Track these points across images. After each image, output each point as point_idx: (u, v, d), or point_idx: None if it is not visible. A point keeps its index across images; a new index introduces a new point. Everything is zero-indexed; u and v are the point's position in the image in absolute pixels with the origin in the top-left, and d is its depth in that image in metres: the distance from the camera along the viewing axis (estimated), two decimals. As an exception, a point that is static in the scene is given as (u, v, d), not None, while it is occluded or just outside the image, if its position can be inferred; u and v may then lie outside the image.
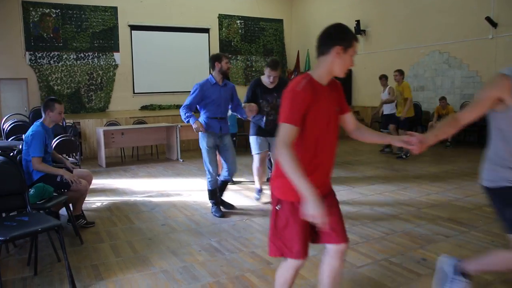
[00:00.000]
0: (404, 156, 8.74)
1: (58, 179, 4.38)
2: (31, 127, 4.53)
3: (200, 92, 4.96)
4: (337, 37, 2.22)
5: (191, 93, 5.01)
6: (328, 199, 2.39)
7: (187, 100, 5.02)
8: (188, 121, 4.99)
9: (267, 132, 5.31)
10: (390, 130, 9.12)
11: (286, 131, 2.13)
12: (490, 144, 2.50)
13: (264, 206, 5.45)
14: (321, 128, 2.24)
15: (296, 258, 2.33)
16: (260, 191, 5.73)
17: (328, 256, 2.48)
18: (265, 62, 5.52)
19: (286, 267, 2.42)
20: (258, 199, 5.70)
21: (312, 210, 2.04)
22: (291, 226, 2.29)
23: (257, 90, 5.32)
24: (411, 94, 9.05)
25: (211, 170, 5.01)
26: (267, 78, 5.28)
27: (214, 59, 5.07)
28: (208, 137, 5.00)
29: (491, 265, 2.67)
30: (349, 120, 2.54)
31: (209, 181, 5.10)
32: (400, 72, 9.13)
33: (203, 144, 5.03)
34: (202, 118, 5.09)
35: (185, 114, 5.00)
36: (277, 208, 2.33)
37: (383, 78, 9.64)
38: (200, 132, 5.03)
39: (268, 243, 2.40)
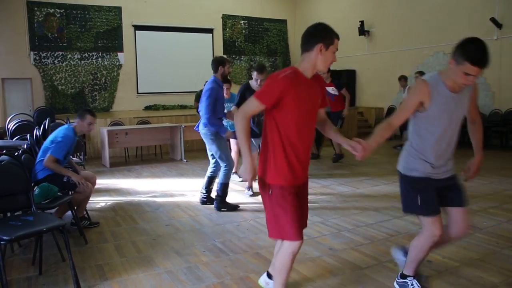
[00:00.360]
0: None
1: (65, 179, 4.39)
2: (63, 129, 4.58)
3: (216, 95, 5.13)
4: (319, 35, 2.46)
5: (206, 98, 5.07)
6: (303, 189, 2.69)
7: (209, 107, 5.07)
8: (223, 131, 5.20)
9: (256, 133, 5.55)
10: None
11: (252, 104, 2.48)
12: (409, 137, 2.84)
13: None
14: (302, 113, 2.49)
15: (294, 240, 2.49)
16: (250, 188, 6.11)
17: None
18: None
19: (284, 252, 2.57)
20: (251, 195, 6.02)
21: (244, 171, 2.50)
22: (284, 209, 2.49)
23: (246, 94, 5.52)
24: None
25: (229, 159, 5.33)
26: (255, 82, 5.57)
27: (219, 63, 5.25)
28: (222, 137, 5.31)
29: (417, 256, 2.94)
30: (321, 112, 2.80)
31: (226, 173, 5.33)
32: (420, 73, 9.07)
33: (217, 141, 5.25)
34: (205, 121, 5.22)
35: (217, 124, 5.15)
36: (269, 193, 2.53)
37: (402, 79, 9.45)
38: (205, 131, 5.25)
39: (267, 226, 2.61)
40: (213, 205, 5.42)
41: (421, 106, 2.64)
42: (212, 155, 5.48)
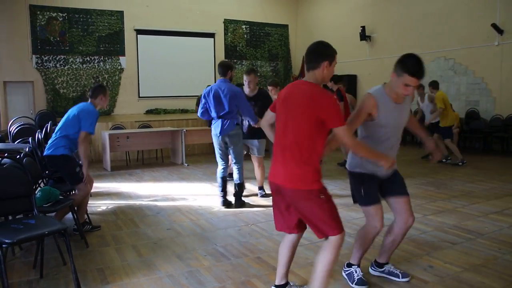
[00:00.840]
0: (460, 163, 8.57)
1: (77, 169, 4.41)
2: (84, 105, 4.65)
3: None
4: (324, 53, 2.69)
5: (243, 98, 5.50)
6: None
7: (248, 104, 5.49)
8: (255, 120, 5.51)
9: (245, 135, 5.96)
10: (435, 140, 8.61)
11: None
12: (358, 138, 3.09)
13: (270, 211, 5.44)
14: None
15: (343, 232, 2.70)
16: (261, 188, 6.35)
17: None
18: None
19: (331, 248, 2.66)
20: (263, 195, 6.24)
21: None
22: (333, 207, 2.72)
23: None
24: (442, 104, 8.41)
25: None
26: (246, 85, 6.00)
27: (229, 67, 5.64)
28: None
29: (362, 246, 3.30)
30: None
31: (242, 172, 5.73)
32: (434, 84, 9.03)
33: (241, 143, 5.69)
34: (235, 120, 5.54)
35: (253, 114, 5.53)
36: (321, 197, 2.66)
37: (420, 88, 8.89)
38: (238, 130, 5.59)
39: (322, 227, 2.67)
40: (223, 206, 5.70)
41: (369, 116, 2.99)
42: (227, 155, 5.73)
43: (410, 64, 2.83)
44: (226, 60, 5.99)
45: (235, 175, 5.71)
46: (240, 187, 5.74)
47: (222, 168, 5.69)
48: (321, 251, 2.72)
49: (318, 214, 2.65)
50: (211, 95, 5.50)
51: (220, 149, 5.63)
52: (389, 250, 3.37)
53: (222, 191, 5.75)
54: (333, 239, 2.65)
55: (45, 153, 4.48)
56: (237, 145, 5.57)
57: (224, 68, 5.59)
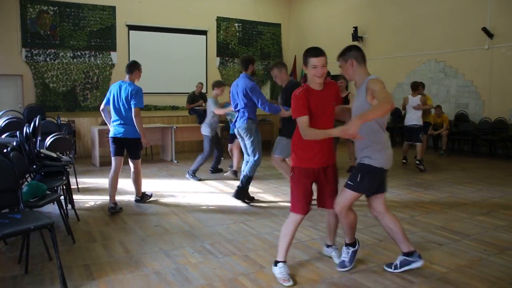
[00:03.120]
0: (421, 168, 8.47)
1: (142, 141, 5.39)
2: (128, 84, 5.28)
3: None
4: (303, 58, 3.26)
5: (258, 92, 5.54)
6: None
7: (264, 98, 5.56)
8: (278, 110, 5.52)
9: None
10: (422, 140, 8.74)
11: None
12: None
13: (259, 209, 5.44)
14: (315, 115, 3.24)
15: (299, 213, 3.34)
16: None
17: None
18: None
19: (290, 221, 3.37)
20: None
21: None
22: (298, 187, 3.34)
23: None
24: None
25: (260, 155, 5.73)
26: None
27: (250, 61, 5.67)
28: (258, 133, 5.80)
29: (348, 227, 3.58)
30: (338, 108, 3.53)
31: (253, 167, 5.72)
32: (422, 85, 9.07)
33: (256, 136, 5.68)
34: (247, 115, 5.60)
35: (276, 107, 5.55)
36: (290, 174, 3.40)
37: (421, 87, 8.75)
38: (250, 124, 5.62)
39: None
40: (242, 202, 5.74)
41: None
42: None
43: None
44: (247, 54, 6.01)
45: (243, 167, 5.82)
46: (246, 180, 5.71)
47: (246, 161, 5.79)
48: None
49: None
50: (232, 90, 5.74)
51: (241, 142, 5.85)
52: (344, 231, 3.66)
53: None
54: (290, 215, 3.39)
55: (120, 136, 5.32)
56: (251, 139, 5.61)
57: (244, 63, 5.65)
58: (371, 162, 3.29)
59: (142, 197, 5.77)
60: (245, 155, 5.81)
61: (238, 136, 5.86)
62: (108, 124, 5.52)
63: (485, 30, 10.17)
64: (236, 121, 5.78)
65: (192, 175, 7.37)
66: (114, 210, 5.25)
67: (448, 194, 6.35)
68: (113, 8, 13.14)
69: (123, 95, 5.22)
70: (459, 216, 5.19)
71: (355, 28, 13.46)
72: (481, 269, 3.58)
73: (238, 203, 5.75)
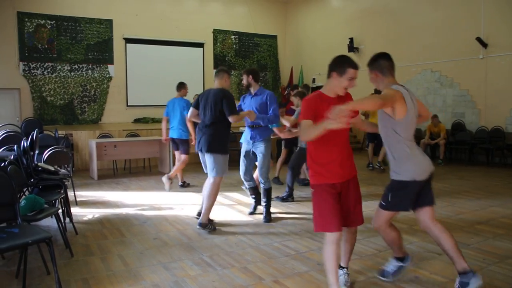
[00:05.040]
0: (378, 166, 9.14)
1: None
2: (181, 100, 7.70)
3: None
4: (334, 65, 3.09)
5: (276, 103, 5.40)
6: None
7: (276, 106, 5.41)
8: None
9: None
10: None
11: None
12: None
13: (257, 221, 5.43)
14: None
15: (333, 231, 2.97)
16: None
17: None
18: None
19: (327, 243, 2.99)
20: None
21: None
22: (322, 204, 3.04)
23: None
24: None
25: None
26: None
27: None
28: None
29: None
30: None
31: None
32: None
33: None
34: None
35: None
36: (312, 191, 3.10)
37: None
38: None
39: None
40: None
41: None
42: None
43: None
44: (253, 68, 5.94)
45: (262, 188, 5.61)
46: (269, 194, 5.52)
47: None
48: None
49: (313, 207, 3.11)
50: (246, 102, 5.55)
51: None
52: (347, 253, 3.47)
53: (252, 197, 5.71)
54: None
55: (175, 137, 7.43)
56: (266, 153, 5.40)
57: (258, 75, 5.58)
58: (399, 177, 3.15)
59: (184, 184, 7.77)
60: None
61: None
62: (163, 129, 7.73)
63: (479, 40, 10.27)
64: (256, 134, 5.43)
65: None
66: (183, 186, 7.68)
67: (447, 203, 6.35)
68: (110, 22, 13.23)
69: (177, 107, 7.42)
70: (457, 225, 5.19)
71: (351, 39, 13.57)
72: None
73: (237, 216, 5.73)
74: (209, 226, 4.97)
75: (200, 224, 4.96)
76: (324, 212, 3.00)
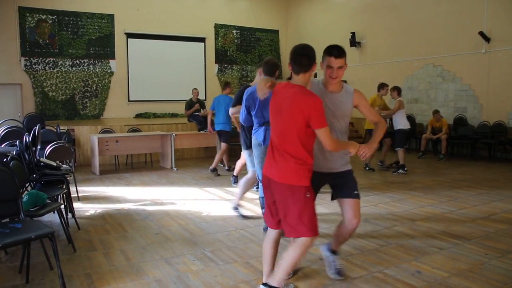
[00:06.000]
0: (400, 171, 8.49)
1: None
2: (226, 97, 8.40)
3: None
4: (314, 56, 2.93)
5: None
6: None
7: None
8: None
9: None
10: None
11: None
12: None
13: (259, 216, 5.44)
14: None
15: (316, 235, 2.85)
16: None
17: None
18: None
19: (304, 245, 2.82)
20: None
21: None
22: (313, 208, 2.88)
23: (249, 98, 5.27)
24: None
25: None
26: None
27: (277, 66, 4.81)
28: None
29: (340, 237, 3.43)
30: None
31: None
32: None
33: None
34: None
35: None
36: (307, 196, 2.81)
37: (396, 90, 8.73)
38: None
39: (299, 228, 2.80)
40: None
41: None
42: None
43: (327, 47, 3.08)
44: (271, 58, 5.12)
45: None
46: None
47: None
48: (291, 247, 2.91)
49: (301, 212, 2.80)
50: (255, 97, 4.59)
51: (262, 161, 4.57)
52: (337, 241, 3.51)
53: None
54: (305, 240, 2.82)
55: (219, 129, 8.32)
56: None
57: (272, 68, 4.76)
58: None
59: (230, 169, 8.59)
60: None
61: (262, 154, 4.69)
62: (209, 121, 9.00)
63: (482, 34, 10.22)
64: (265, 134, 4.60)
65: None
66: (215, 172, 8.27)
67: (448, 198, 6.35)
68: (111, 16, 13.21)
69: (222, 104, 8.23)
70: (459, 220, 5.19)
71: (353, 33, 13.53)
72: (483, 273, 3.58)
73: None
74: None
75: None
76: (313, 215, 2.88)
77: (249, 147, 5.01)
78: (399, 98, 8.45)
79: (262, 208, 4.81)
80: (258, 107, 4.56)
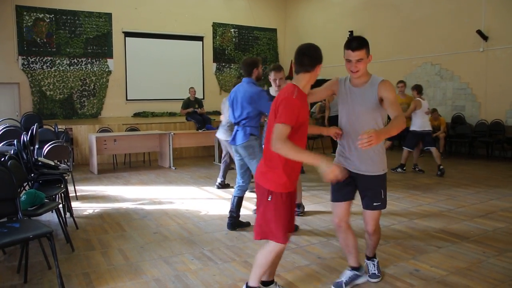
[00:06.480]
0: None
1: None
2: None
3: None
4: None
5: (264, 99, 4.56)
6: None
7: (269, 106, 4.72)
8: None
9: None
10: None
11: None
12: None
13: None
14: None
15: (282, 243, 2.75)
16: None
17: None
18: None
19: (269, 250, 2.79)
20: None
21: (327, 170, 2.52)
22: (280, 215, 2.72)
23: None
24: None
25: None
26: (273, 83, 5.10)
27: (253, 65, 4.71)
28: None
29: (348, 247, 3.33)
30: None
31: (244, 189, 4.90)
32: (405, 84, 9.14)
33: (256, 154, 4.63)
34: (248, 129, 4.64)
35: None
36: (268, 199, 2.73)
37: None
38: (252, 141, 4.62)
39: (255, 228, 2.84)
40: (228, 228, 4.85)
41: (332, 93, 3.26)
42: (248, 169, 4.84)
43: (347, 40, 2.96)
44: (249, 57, 4.91)
45: (235, 192, 4.89)
46: (236, 205, 4.83)
47: (238, 186, 4.83)
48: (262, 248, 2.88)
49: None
50: (231, 98, 4.79)
51: (237, 161, 4.82)
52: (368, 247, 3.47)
53: (231, 211, 4.84)
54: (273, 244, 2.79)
55: None
56: (252, 160, 4.60)
57: (247, 67, 4.71)
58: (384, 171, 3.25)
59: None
60: (238, 178, 4.86)
61: (235, 154, 4.82)
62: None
63: (479, 32, 10.23)
64: (235, 136, 4.72)
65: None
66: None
67: (446, 196, 6.36)
68: (109, 15, 13.17)
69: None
70: (457, 219, 5.20)
71: (351, 32, 13.51)
72: (481, 271, 3.59)
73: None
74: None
75: None
76: (283, 222, 2.77)
77: None
78: (417, 98, 8.12)
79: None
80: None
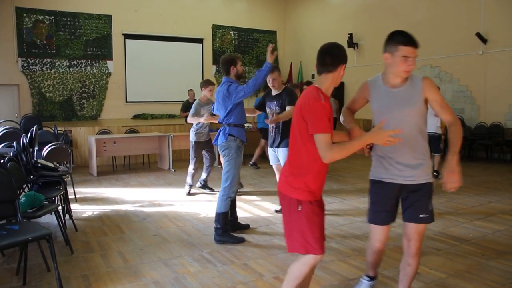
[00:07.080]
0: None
1: None
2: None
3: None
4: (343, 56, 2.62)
5: (235, 90, 4.41)
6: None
7: (241, 93, 4.43)
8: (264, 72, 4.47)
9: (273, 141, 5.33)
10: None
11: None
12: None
13: (257, 217, 5.43)
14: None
15: (319, 254, 2.52)
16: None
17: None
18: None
19: (304, 262, 2.55)
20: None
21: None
22: (314, 224, 2.51)
23: (265, 99, 5.44)
24: None
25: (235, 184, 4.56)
26: (270, 84, 5.23)
27: (230, 63, 4.56)
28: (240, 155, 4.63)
29: (368, 257, 3.15)
30: None
31: (227, 199, 4.49)
32: None
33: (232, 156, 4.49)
34: (227, 128, 4.53)
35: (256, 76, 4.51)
36: (299, 209, 2.50)
37: None
38: (229, 142, 4.48)
39: (287, 241, 2.59)
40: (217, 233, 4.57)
41: (364, 100, 2.87)
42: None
43: (401, 36, 2.61)
44: (227, 55, 4.72)
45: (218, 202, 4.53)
46: (221, 219, 4.46)
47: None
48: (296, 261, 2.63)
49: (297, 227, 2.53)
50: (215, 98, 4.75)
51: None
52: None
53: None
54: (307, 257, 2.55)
55: (261, 126, 8.83)
56: (228, 161, 4.46)
57: (224, 65, 4.57)
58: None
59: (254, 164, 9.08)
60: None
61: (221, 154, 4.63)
62: (252, 120, 9.46)
63: (478, 35, 10.25)
64: (217, 136, 4.60)
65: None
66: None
67: (446, 199, 6.36)
68: (109, 17, 13.19)
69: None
70: (457, 221, 5.20)
71: (350, 34, 13.54)
72: (480, 274, 3.59)
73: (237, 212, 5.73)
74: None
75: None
76: (315, 231, 2.54)
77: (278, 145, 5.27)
78: None
79: None
80: None
